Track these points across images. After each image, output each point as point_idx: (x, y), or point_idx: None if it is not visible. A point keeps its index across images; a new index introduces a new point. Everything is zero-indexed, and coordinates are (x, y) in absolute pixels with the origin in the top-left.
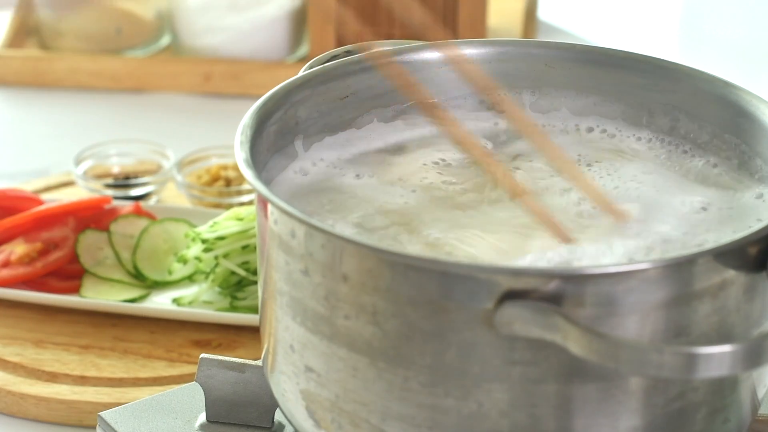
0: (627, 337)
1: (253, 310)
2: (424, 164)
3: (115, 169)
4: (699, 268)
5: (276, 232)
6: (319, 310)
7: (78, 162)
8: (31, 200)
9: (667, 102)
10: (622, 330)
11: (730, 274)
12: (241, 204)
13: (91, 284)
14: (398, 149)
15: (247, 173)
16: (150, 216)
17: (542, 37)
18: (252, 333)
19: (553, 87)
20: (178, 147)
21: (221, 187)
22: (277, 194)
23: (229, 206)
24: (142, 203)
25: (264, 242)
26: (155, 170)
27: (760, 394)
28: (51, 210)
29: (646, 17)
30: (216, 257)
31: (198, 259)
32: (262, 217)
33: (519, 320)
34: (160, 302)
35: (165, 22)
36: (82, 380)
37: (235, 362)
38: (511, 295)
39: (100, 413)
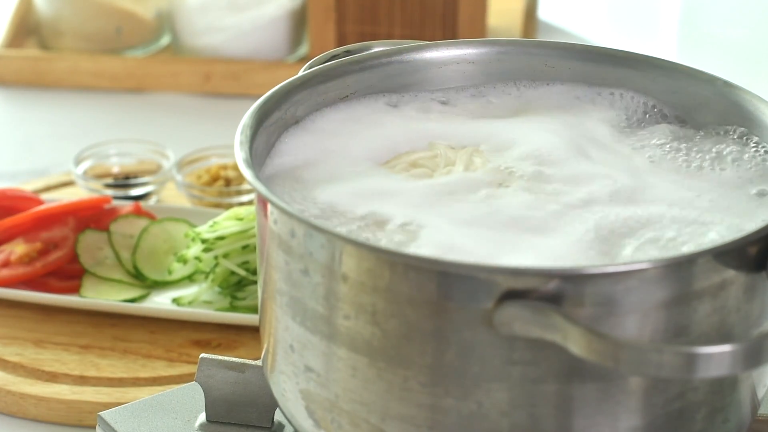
0: (627, 337)
1: (253, 310)
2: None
3: (115, 169)
4: (699, 268)
5: (276, 232)
6: (318, 310)
7: (78, 162)
8: (31, 200)
9: (666, 101)
10: (622, 330)
11: (730, 274)
12: (241, 204)
13: (91, 284)
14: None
15: (247, 173)
16: (150, 216)
17: (542, 37)
18: (252, 333)
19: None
20: (178, 147)
21: (221, 187)
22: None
23: (229, 206)
24: (142, 203)
25: (264, 242)
26: (155, 170)
27: (760, 394)
28: (51, 210)
29: (645, 17)
30: (216, 257)
31: (198, 259)
32: (261, 217)
33: (519, 320)
34: (160, 302)
35: (165, 22)
36: (81, 380)
37: (235, 362)
38: (510, 295)
39: (99, 413)
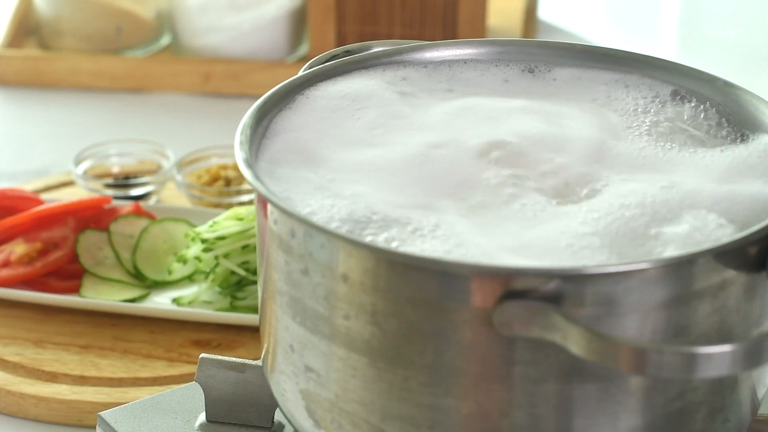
0: (627, 337)
1: (253, 310)
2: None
3: (115, 169)
4: (699, 268)
5: (276, 232)
6: (318, 309)
7: (78, 162)
8: (31, 200)
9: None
10: (622, 330)
11: (730, 274)
12: (241, 204)
13: (90, 284)
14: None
15: (247, 173)
16: (150, 216)
17: (542, 37)
18: (252, 333)
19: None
20: (178, 147)
21: (221, 187)
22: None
23: (229, 206)
24: (142, 203)
25: (264, 242)
26: (155, 170)
27: (760, 394)
28: (51, 210)
29: (645, 17)
30: (216, 257)
31: (198, 259)
32: (261, 216)
33: (519, 320)
34: (160, 302)
35: (165, 22)
36: (81, 380)
37: (234, 362)
38: (510, 295)
39: (99, 413)
